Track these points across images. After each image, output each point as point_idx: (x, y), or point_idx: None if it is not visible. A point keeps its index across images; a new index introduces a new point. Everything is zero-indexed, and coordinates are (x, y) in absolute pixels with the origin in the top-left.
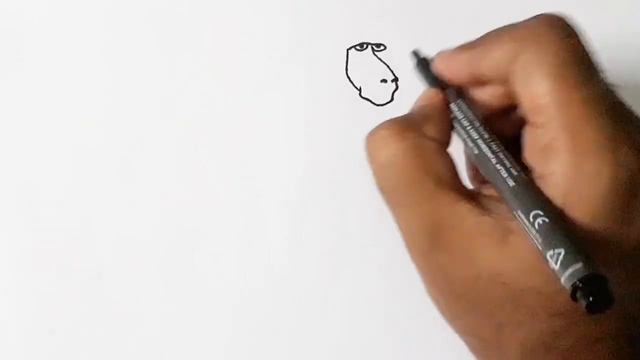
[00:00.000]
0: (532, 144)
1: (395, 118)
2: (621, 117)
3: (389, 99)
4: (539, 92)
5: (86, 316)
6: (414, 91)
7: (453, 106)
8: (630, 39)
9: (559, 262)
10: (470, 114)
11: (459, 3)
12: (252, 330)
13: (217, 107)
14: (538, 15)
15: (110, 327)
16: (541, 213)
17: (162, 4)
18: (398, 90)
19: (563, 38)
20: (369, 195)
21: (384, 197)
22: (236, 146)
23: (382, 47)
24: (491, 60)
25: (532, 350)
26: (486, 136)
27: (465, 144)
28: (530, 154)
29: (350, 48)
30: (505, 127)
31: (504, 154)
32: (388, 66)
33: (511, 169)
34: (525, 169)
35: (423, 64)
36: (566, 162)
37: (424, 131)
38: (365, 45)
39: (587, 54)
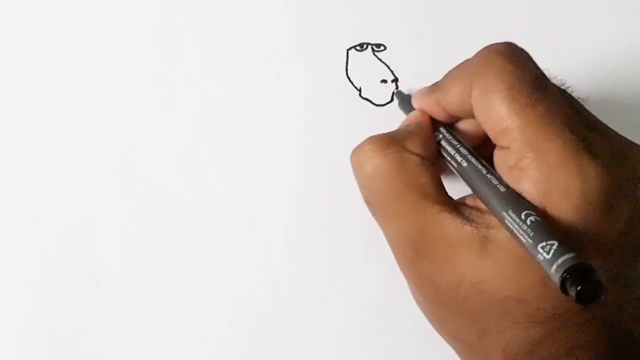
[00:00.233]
0: (501, 165)
1: (379, 134)
2: (580, 126)
3: (389, 99)
4: (498, 117)
5: (86, 316)
6: (414, 92)
7: (441, 128)
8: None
9: (551, 252)
10: (457, 134)
11: (459, 3)
12: (252, 330)
13: (217, 107)
14: (486, 46)
15: (110, 326)
16: (533, 213)
17: (162, 4)
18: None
19: (510, 62)
20: None
21: (370, 208)
22: (236, 146)
23: (382, 47)
24: (453, 98)
25: (515, 357)
26: (473, 152)
27: (453, 159)
28: (502, 175)
29: (350, 48)
30: (489, 154)
31: (491, 168)
32: (388, 66)
33: (500, 179)
34: None
35: (407, 101)
36: (536, 180)
37: (406, 146)
38: (365, 46)
39: (537, 73)
